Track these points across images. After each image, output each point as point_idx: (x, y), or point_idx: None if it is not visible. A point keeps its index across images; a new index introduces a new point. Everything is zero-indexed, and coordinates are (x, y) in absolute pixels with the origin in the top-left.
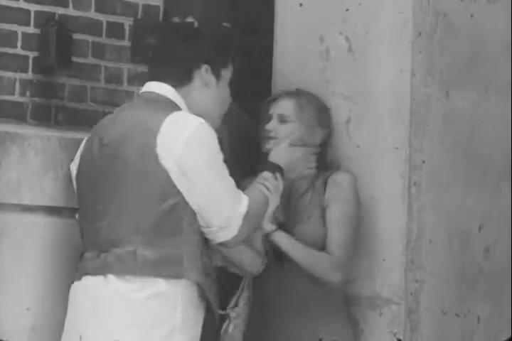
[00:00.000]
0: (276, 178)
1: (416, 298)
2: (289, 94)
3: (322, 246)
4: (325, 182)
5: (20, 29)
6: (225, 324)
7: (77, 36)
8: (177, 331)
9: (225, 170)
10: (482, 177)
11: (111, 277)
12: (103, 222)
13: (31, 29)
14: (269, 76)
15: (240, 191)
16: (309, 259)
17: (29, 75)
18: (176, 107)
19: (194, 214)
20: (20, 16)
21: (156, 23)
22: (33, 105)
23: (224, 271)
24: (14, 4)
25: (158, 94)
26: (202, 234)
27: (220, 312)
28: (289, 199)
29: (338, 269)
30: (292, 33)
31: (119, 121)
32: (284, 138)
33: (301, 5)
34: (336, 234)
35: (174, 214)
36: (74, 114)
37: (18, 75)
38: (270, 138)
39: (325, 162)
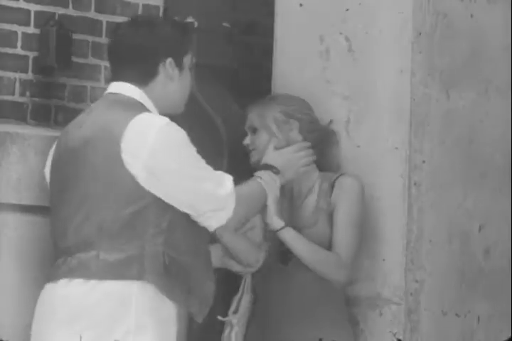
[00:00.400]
0: (270, 174)
1: (416, 298)
2: (253, 104)
3: (328, 250)
4: (332, 186)
5: (20, 29)
6: (227, 330)
7: (77, 36)
8: (132, 334)
9: (198, 162)
10: (482, 177)
11: (68, 282)
12: (71, 228)
13: (31, 29)
14: (269, 76)
15: (221, 172)
16: (316, 257)
17: (29, 75)
18: (142, 108)
19: (165, 213)
20: (20, 16)
21: None
22: (33, 105)
23: (224, 274)
24: (14, 4)
25: (123, 96)
26: (172, 232)
27: (221, 318)
28: (293, 202)
29: (344, 268)
30: (292, 33)
31: (85, 125)
32: (264, 147)
33: (301, 5)
34: (342, 234)
35: (140, 217)
36: (74, 114)
37: (18, 75)
38: (251, 150)
39: (325, 161)
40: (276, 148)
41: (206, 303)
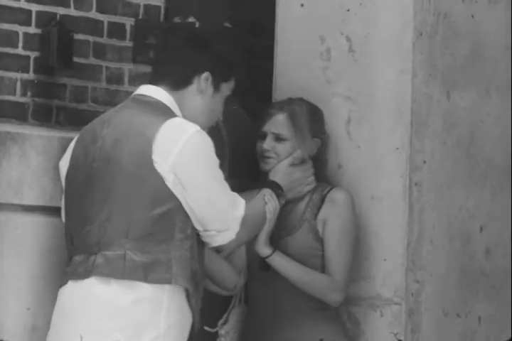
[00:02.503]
0: (273, 198)
1: (417, 298)
2: (280, 107)
3: (307, 258)
4: (322, 199)
5: (21, 29)
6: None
7: (78, 36)
8: (161, 338)
9: (220, 176)
10: (483, 177)
11: (96, 281)
12: (94, 226)
13: (32, 29)
14: (270, 76)
15: (236, 195)
16: (307, 280)
17: (30, 75)
18: (171, 113)
19: (188, 219)
20: (22, 16)
21: (158, 23)
22: (34, 105)
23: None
24: (15, 4)
25: (152, 98)
26: (196, 239)
27: (210, 329)
28: (282, 210)
29: (339, 290)
30: (293, 33)
31: (114, 124)
32: (284, 157)
33: (302, 5)
34: (337, 256)
35: (166, 220)
36: (75, 114)
37: (20, 75)
38: (268, 157)
39: (323, 170)
40: (292, 164)
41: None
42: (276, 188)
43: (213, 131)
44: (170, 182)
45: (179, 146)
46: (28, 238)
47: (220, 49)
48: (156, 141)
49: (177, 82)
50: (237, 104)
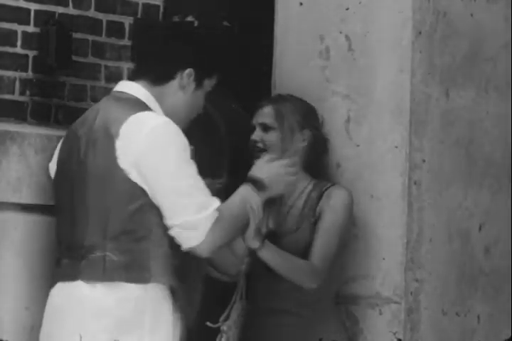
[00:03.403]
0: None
1: (416, 297)
2: (270, 100)
3: (307, 255)
4: (320, 196)
5: (20, 28)
6: (218, 337)
7: (77, 35)
8: (147, 337)
9: (190, 168)
10: (482, 176)
11: (83, 283)
12: (77, 228)
13: (31, 28)
14: (269, 75)
15: (208, 193)
16: (288, 266)
17: (29, 74)
18: (143, 107)
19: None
20: (20, 15)
21: (156, 22)
22: (33, 104)
23: (217, 283)
24: (14, 3)
25: (128, 94)
26: None
27: (212, 325)
28: (281, 207)
29: (316, 277)
30: (292, 32)
31: (88, 123)
32: (274, 147)
33: (301, 4)
34: (320, 243)
35: (142, 215)
36: (74, 113)
37: (18, 74)
38: (259, 149)
39: (318, 166)
40: (271, 160)
41: (194, 308)
42: (255, 182)
43: (212, 130)
44: (134, 176)
45: (140, 139)
46: (27, 237)
47: (206, 44)
48: (119, 137)
49: (158, 77)
50: (236, 103)
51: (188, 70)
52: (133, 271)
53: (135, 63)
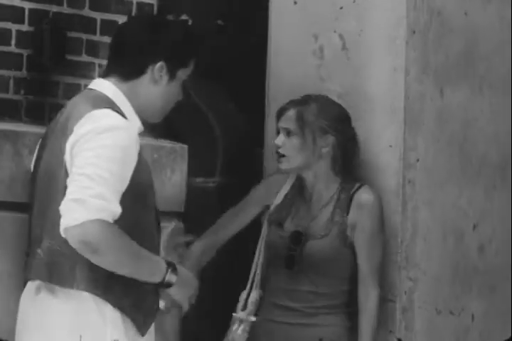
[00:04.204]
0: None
1: (410, 296)
2: (294, 103)
3: (333, 262)
4: (350, 199)
5: (14, 27)
6: (235, 326)
7: (71, 34)
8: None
9: (117, 166)
10: (477, 175)
11: (30, 283)
12: (31, 225)
13: (25, 27)
14: (264, 73)
15: (117, 200)
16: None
17: (23, 73)
18: (109, 105)
19: None
20: (15, 14)
21: (129, 18)
22: (27, 103)
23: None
24: (8, 2)
25: (96, 92)
26: None
27: (235, 314)
28: (310, 210)
29: (376, 288)
30: (286, 30)
31: (54, 122)
32: (295, 154)
33: (295, 3)
34: (369, 260)
35: None
36: None
37: (12, 73)
38: (281, 156)
39: (350, 169)
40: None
41: (150, 316)
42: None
43: (206, 129)
44: (70, 169)
45: (83, 130)
46: (21, 236)
47: (177, 33)
48: (72, 134)
49: (129, 73)
50: (230, 102)
51: (159, 64)
52: (56, 273)
53: (107, 62)
